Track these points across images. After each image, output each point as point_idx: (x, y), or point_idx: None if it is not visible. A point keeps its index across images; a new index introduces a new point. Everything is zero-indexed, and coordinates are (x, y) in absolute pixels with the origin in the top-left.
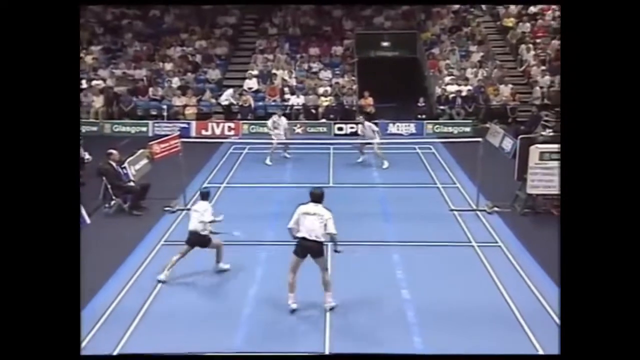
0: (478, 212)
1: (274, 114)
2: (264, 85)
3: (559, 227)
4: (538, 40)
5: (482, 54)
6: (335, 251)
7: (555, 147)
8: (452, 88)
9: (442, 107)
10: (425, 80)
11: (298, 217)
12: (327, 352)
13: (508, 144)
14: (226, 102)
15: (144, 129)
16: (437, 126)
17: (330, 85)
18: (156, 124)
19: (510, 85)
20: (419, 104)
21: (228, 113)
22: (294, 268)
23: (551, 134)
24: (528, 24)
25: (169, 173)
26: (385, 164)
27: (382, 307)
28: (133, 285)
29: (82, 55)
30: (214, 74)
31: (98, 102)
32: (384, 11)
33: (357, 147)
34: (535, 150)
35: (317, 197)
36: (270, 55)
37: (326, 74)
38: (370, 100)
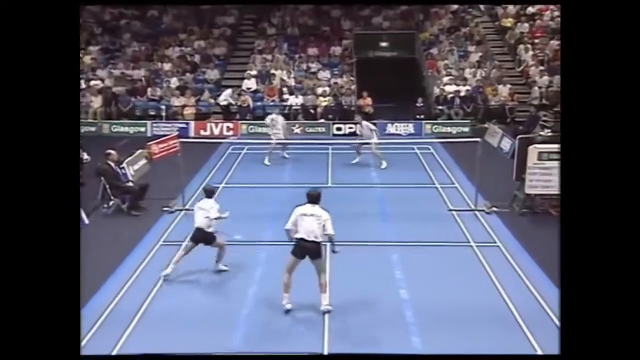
0: (476, 212)
1: (271, 113)
2: (262, 86)
3: (557, 227)
4: (536, 41)
5: (480, 54)
6: (333, 251)
7: (554, 147)
8: (450, 88)
9: (440, 107)
10: (424, 80)
11: (296, 219)
12: (325, 352)
13: (506, 144)
14: (225, 102)
15: (143, 129)
16: (435, 126)
17: (329, 86)
18: (155, 124)
19: (509, 86)
20: (418, 104)
21: (227, 113)
22: (290, 268)
23: (549, 134)
24: (526, 24)
25: (168, 173)
26: (384, 164)
27: (380, 307)
28: (132, 286)
29: (80, 55)
30: (213, 74)
31: (96, 102)
32: (382, 11)
33: (354, 148)
34: (533, 150)
35: (313, 198)
36: (268, 55)
37: (325, 74)
38: (368, 101)
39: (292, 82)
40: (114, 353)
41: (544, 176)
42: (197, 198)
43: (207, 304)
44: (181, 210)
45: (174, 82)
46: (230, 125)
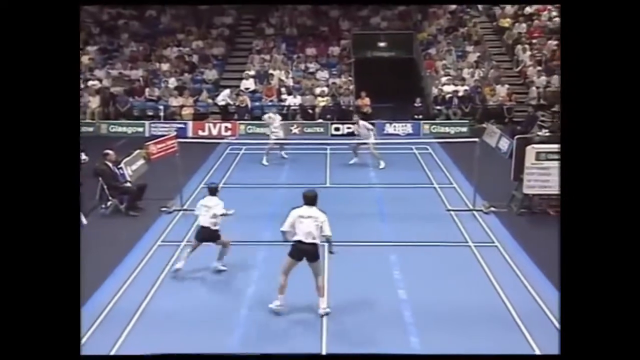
0: (475, 212)
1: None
2: (260, 86)
3: (556, 226)
4: (534, 41)
5: (478, 54)
6: (330, 252)
7: (552, 147)
8: (448, 88)
9: (438, 108)
10: (422, 80)
11: (293, 221)
12: (324, 352)
13: (504, 144)
14: (223, 103)
15: (141, 129)
16: (433, 126)
17: (327, 86)
18: (153, 125)
19: (507, 86)
20: (416, 104)
21: (225, 113)
22: (287, 270)
23: (547, 134)
24: (524, 25)
25: (166, 173)
26: (382, 164)
27: (378, 307)
28: (130, 286)
29: None
30: (211, 74)
31: (94, 102)
32: (380, 12)
33: (352, 148)
34: (531, 151)
35: (310, 199)
36: (267, 55)
37: (323, 74)
38: (367, 101)
39: (290, 82)
40: (112, 353)
41: (541, 176)
42: (195, 198)
43: (205, 304)
44: (179, 210)
45: (172, 82)
46: (229, 125)
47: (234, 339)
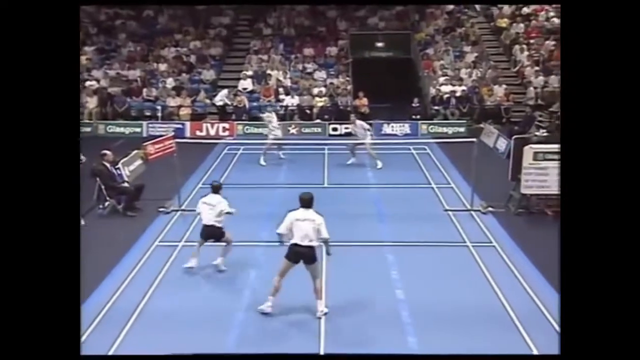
0: (472, 212)
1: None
2: (258, 86)
3: (553, 226)
4: (531, 41)
5: (476, 54)
6: (328, 253)
7: (549, 147)
8: (446, 88)
9: (436, 108)
10: (420, 80)
11: (290, 224)
12: (321, 352)
13: (502, 144)
14: (221, 103)
15: (138, 129)
16: (431, 126)
17: (325, 86)
18: (150, 125)
19: (504, 86)
20: (414, 105)
21: (222, 114)
22: (282, 272)
23: (545, 134)
24: (522, 25)
25: (164, 174)
26: (379, 164)
27: (376, 307)
28: (128, 286)
29: None
30: (209, 74)
31: (92, 102)
32: (378, 12)
33: (349, 148)
34: (529, 151)
35: (306, 202)
36: (264, 55)
37: (321, 75)
38: (364, 101)
39: (288, 83)
40: (110, 353)
41: (539, 176)
42: (193, 199)
43: (203, 304)
44: (177, 210)
45: (170, 82)
46: (226, 125)
47: (231, 339)
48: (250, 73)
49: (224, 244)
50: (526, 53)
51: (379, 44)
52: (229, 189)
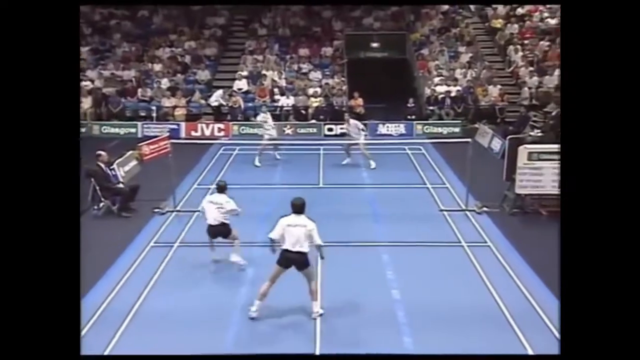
0: (467, 212)
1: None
2: (253, 86)
3: (548, 226)
4: (526, 42)
5: (470, 54)
6: (321, 257)
7: (544, 147)
8: (441, 89)
9: (431, 108)
10: (415, 80)
11: (282, 230)
12: (317, 353)
13: (497, 144)
14: (216, 103)
15: (133, 130)
16: (426, 127)
17: (320, 86)
18: (145, 125)
19: (499, 86)
20: (409, 105)
21: (218, 114)
22: (273, 278)
23: (539, 134)
24: (516, 25)
25: (159, 174)
26: (373, 165)
27: (372, 307)
28: (123, 287)
29: None
30: (204, 74)
31: (86, 103)
32: (373, 12)
33: (344, 148)
34: (523, 151)
35: (298, 207)
36: (259, 56)
37: (316, 75)
38: (360, 101)
39: (283, 83)
40: (106, 353)
41: (534, 176)
42: (188, 199)
43: (199, 305)
44: (172, 211)
45: (165, 82)
46: (222, 126)
47: (227, 340)
48: (245, 73)
49: (231, 241)
50: (520, 53)
51: (374, 45)
52: None
